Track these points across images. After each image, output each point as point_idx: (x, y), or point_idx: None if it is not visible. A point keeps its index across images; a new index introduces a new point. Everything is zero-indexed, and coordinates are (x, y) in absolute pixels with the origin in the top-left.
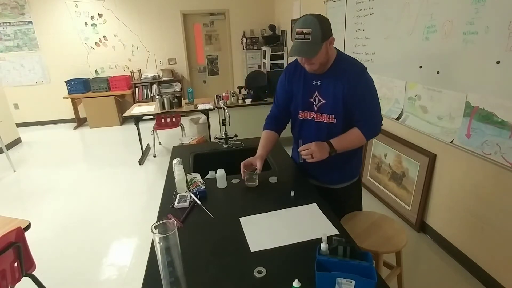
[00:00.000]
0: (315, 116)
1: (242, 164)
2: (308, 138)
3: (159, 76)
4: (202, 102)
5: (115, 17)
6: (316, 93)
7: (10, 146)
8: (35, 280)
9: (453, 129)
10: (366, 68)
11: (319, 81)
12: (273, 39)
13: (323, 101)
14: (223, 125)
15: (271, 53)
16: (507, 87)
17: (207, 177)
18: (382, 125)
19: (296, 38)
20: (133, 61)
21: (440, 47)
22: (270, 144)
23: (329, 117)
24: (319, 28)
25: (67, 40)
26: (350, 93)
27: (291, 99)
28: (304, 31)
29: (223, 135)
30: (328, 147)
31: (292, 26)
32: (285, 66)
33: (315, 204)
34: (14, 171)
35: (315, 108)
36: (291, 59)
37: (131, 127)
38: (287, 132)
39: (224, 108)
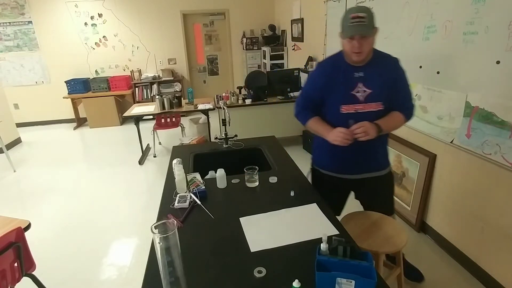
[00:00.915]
0: (361, 108)
1: (345, 132)
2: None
3: (159, 76)
4: (202, 102)
5: (115, 17)
6: (360, 84)
7: (10, 146)
8: (35, 280)
9: (453, 129)
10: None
11: (361, 72)
12: (273, 39)
13: (369, 91)
14: (223, 125)
15: (271, 53)
16: (507, 87)
17: (207, 177)
18: None
19: (350, 23)
20: (133, 61)
21: (440, 47)
22: (324, 123)
23: (377, 105)
24: (372, 15)
25: (67, 40)
26: (393, 79)
27: (326, 96)
28: (359, 15)
29: (223, 135)
30: (376, 126)
31: (292, 27)
32: (286, 66)
33: (315, 204)
34: (14, 171)
35: (361, 99)
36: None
37: (131, 127)
38: (287, 132)
39: (224, 108)
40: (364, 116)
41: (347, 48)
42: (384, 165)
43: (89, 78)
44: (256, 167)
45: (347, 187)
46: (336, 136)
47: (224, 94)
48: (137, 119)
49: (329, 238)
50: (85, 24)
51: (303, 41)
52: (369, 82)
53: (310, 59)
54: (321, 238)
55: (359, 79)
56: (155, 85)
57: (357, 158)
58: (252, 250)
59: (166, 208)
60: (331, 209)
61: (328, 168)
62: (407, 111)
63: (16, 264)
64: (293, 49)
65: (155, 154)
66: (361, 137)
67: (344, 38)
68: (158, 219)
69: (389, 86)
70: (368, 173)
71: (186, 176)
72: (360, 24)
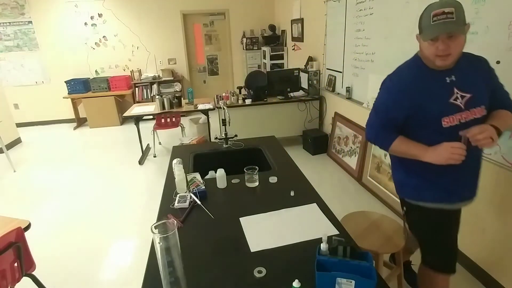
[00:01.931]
0: (464, 116)
1: (460, 147)
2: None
3: (159, 76)
4: (202, 102)
5: (115, 17)
6: (456, 90)
7: (10, 146)
8: (35, 280)
9: None
10: None
11: (453, 76)
12: (273, 39)
13: (468, 95)
14: (223, 125)
15: (271, 53)
16: (507, 87)
17: (207, 177)
18: None
19: (433, 21)
20: (133, 61)
21: None
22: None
23: (480, 111)
24: (462, 9)
25: (67, 40)
26: (488, 78)
27: (416, 113)
28: (445, 11)
29: (223, 135)
30: (495, 129)
31: (292, 27)
32: (286, 66)
33: (315, 204)
34: (14, 171)
35: (462, 106)
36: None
37: (131, 127)
38: (287, 132)
39: (224, 108)
40: (469, 126)
41: (429, 52)
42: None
43: (89, 78)
44: (256, 167)
45: (454, 219)
46: (450, 153)
47: (224, 94)
48: (137, 119)
49: (329, 238)
50: (85, 24)
51: (303, 41)
52: (465, 85)
53: (310, 59)
54: (321, 238)
55: (452, 84)
56: (155, 85)
57: (471, 176)
58: (252, 250)
59: (166, 208)
60: (452, 254)
61: (436, 198)
62: (510, 108)
63: (16, 264)
64: (293, 49)
65: (155, 154)
66: (488, 144)
67: (425, 40)
68: (158, 219)
69: (487, 86)
70: (473, 197)
71: (186, 176)
72: (447, 21)
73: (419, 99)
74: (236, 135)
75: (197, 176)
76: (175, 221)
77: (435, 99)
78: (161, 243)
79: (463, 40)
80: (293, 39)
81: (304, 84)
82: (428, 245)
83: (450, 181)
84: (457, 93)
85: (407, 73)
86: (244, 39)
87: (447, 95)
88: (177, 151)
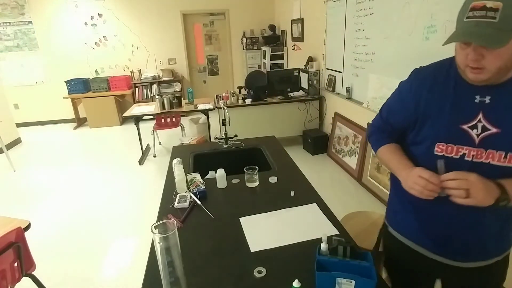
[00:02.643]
0: (469, 153)
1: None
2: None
3: (159, 76)
4: (202, 102)
5: (115, 17)
6: (481, 115)
7: (10, 146)
8: (35, 280)
9: None
10: None
11: (488, 97)
12: (273, 39)
13: (493, 130)
14: (223, 125)
15: (271, 53)
16: None
17: (207, 177)
18: None
19: (468, 17)
20: (133, 61)
21: (440, 47)
22: (402, 152)
23: (505, 157)
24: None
25: (67, 40)
26: None
27: (417, 120)
28: (488, 5)
29: (223, 135)
30: (496, 189)
31: (292, 27)
32: (286, 66)
33: (315, 204)
34: (14, 171)
35: (475, 141)
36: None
37: (131, 127)
38: (287, 132)
39: (224, 108)
40: (477, 170)
41: (459, 59)
42: (500, 250)
43: (89, 78)
44: (256, 167)
45: (434, 273)
46: (413, 182)
47: (224, 94)
48: (137, 119)
49: (329, 238)
50: (85, 24)
51: (303, 41)
52: (499, 115)
53: (310, 59)
54: (321, 238)
55: (481, 106)
56: (155, 85)
57: (456, 233)
58: (252, 250)
59: (166, 208)
60: None
61: (410, 235)
62: None
63: (16, 264)
64: (293, 49)
65: (155, 154)
66: (458, 197)
67: (449, 42)
68: (158, 219)
69: None
70: (470, 262)
71: (186, 176)
72: (485, 22)
73: (427, 107)
74: (236, 135)
75: (197, 176)
76: (175, 221)
77: (445, 116)
78: (161, 243)
79: (509, 51)
80: (293, 39)
81: (304, 84)
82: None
83: (431, 222)
84: (481, 120)
85: (433, 71)
86: (244, 39)
87: (463, 117)
88: (177, 151)
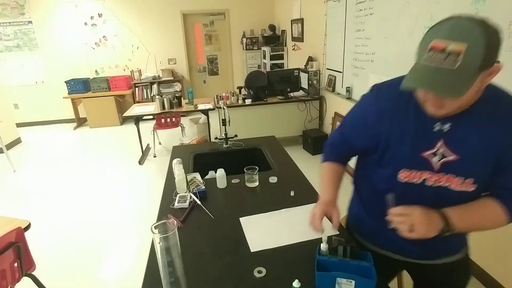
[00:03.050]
0: (430, 178)
1: (315, 214)
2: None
3: (159, 76)
4: (202, 102)
5: (115, 17)
6: (442, 143)
7: (10, 146)
8: (35, 280)
9: None
10: None
11: (448, 124)
12: (273, 39)
13: (452, 157)
14: (223, 125)
15: (271, 53)
16: (507, 87)
17: (207, 177)
18: None
19: (425, 59)
20: (133, 61)
21: None
22: (338, 179)
23: (463, 182)
24: (483, 45)
25: (67, 40)
26: (506, 146)
27: (379, 147)
28: (449, 49)
29: (223, 135)
30: (440, 222)
31: (292, 27)
32: (286, 66)
33: (315, 204)
34: (14, 171)
35: (435, 167)
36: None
37: (131, 127)
38: (287, 132)
39: (224, 108)
40: (437, 195)
41: (419, 95)
42: (457, 248)
43: (89, 78)
44: (256, 167)
45: (395, 267)
46: (311, 211)
47: (224, 94)
48: (137, 119)
49: (329, 238)
50: (85, 24)
51: (303, 41)
52: (457, 142)
53: (310, 59)
54: (321, 238)
55: (441, 134)
56: (155, 85)
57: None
58: (252, 250)
59: (166, 208)
60: None
61: (365, 234)
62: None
63: (16, 264)
64: (293, 49)
65: (155, 154)
66: (402, 231)
67: (415, 87)
68: (158, 219)
69: (498, 157)
70: (429, 260)
71: (186, 176)
72: (443, 69)
73: (390, 133)
74: (236, 135)
75: (197, 176)
76: (175, 221)
77: (407, 144)
78: (161, 243)
79: (472, 91)
80: (293, 39)
81: (304, 84)
82: None
83: (382, 224)
84: (440, 148)
85: (396, 96)
86: (244, 39)
87: (424, 145)
88: (177, 151)
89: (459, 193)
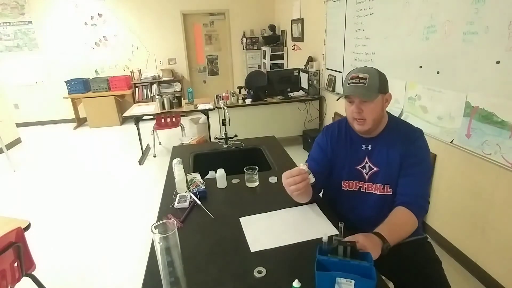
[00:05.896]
0: (363, 186)
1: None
2: (351, 211)
3: (159, 76)
4: (202, 102)
5: (115, 17)
6: (366, 159)
7: (10, 146)
8: (35, 280)
9: (453, 129)
10: (423, 132)
11: (370, 145)
12: (273, 39)
13: (375, 169)
14: (223, 125)
15: (271, 53)
16: (507, 87)
17: (207, 177)
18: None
19: (349, 84)
20: (133, 61)
21: (440, 47)
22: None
23: (383, 188)
24: (377, 78)
25: (67, 40)
26: (401, 156)
27: (332, 167)
28: (360, 76)
29: (223, 135)
30: (380, 242)
31: (292, 27)
32: (286, 66)
33: (315, 204)
34: (14, 171)
35: (366, 177)
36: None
37: (131, 127)
38: (287, 132)
39: (224, 108)
40: (366, 199)
41: (347, 114)
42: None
43: (89, 78)
44: (256, 167)
45: None
46: (285, 178)
47: (224, 94)
48: (137, 119)
49: (329, 238)
50: (85, 24)
51: (303, 41)
52: (376, 158)
53: (310, 59)
54: (321, 238)
55: (366, 153)
56: (155, 85)
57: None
58: (252, 250)
59: (166, 208)
60: None
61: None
62: (416, 205)
63: (16, 264)
64: (293, 49)
65: (155, 154)
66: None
67: (341, 97)
68: (158, 219)
69: (399, 167)
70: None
71: (186, 176)
72: (359, 85)
73: (337, 156)
74: (236, 135)
75: (197, 176)
76: (175, 221)
77: (347, 161)
78: (161, 243)
79: (377, 107)
80: (293, 39)
81: (304, 84)
82: None
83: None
84: (367, 163)
85: (337, 129)
86: (244, 39)
87: (356, 161)
88: (177, 151)
89: (382, 197)
